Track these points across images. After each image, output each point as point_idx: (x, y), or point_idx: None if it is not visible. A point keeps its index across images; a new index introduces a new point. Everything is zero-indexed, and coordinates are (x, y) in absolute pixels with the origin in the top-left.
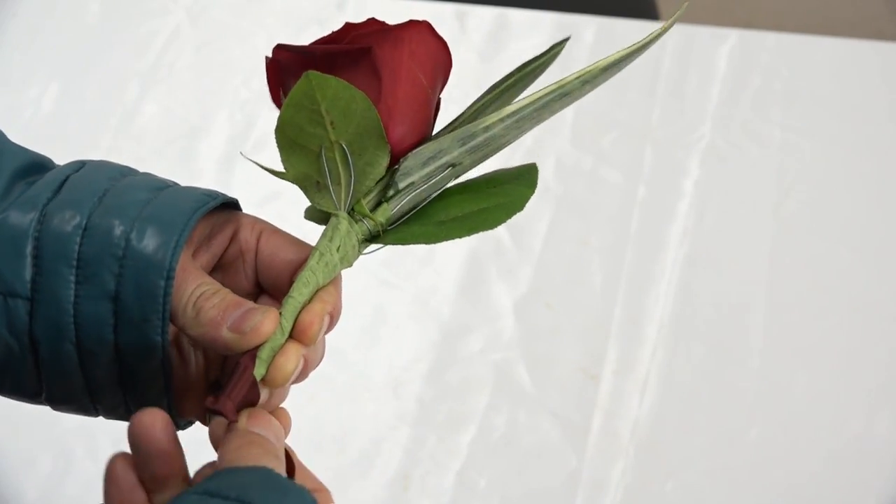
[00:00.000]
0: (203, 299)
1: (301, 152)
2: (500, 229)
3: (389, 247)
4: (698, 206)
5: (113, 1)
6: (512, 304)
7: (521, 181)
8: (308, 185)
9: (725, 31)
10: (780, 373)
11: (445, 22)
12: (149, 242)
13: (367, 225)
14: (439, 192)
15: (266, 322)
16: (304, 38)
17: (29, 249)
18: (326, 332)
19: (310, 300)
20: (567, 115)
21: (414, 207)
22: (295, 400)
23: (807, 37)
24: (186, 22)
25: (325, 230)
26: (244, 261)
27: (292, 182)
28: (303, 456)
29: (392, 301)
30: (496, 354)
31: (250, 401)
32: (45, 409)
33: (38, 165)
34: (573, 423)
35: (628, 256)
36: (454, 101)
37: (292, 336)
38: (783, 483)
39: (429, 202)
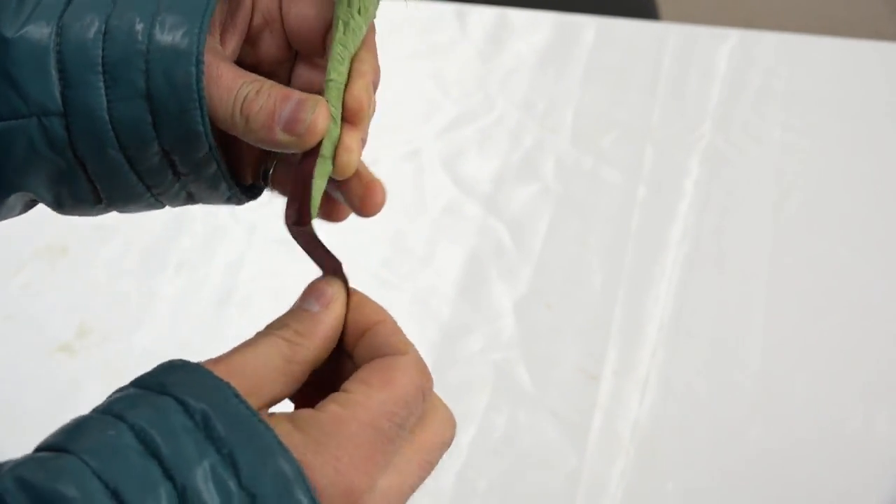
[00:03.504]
0: (248, 104)
1: None
2: (501, 229)
3: (389, 246)
4: (698, 206)
5: None
6: (512, 304)
7: None
8: None
9: (725, 31)
10: (780, 373)
11: (445, 22)
12: (172, 33)
13: None
14: None
15: (319, 118)
16: None
17: (53, 64)
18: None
19: (349, 77)
20: (567, 115)
21: None
22: None
23: (807, 37)
24: None
25: None
26: (271, 30)
27: None
28: None
29: (392, 301)
30: (496, 354)
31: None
32: (44, 409)
33: None
34: (573, 423)
35: (628, 256)
36: (454, 100)
37: (344, 120)
38: (783, 483)
39: None
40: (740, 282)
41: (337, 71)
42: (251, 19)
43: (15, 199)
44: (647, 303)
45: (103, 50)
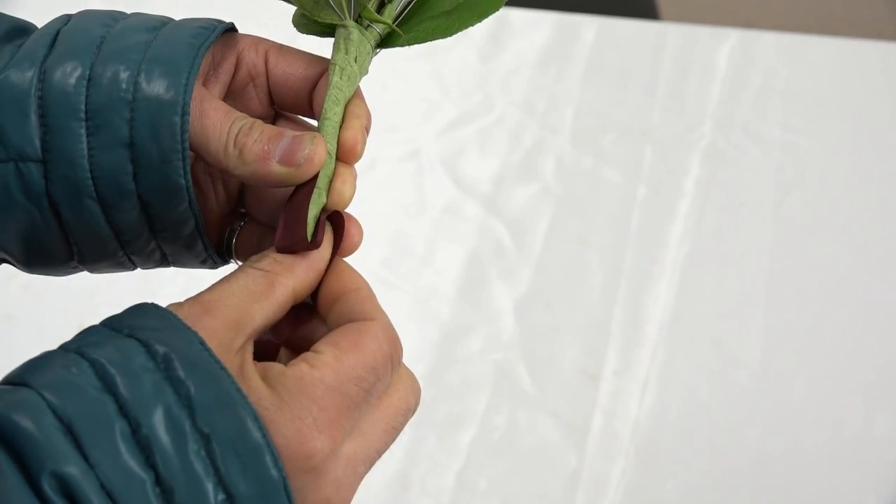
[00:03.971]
0: (243, 135)
1: None
2: (501, 229)
3: (389, 246)
4: (698, 206)
5: (113, 2)
6: (512, 304)
7: None
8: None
9: (725, 31)
10: (780, 373)
11: None
12: (158, 83)
13: (377, 29)
14: None
15: (318, 150)
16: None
17: (33, 109)
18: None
19: (343, 118)
20: (567, 115)
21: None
22: None
23: (807, 37)
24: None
25: (335, 43)
26: (255, 85)
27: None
28: None
29: (392, 301)
30: (496, 354)
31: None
32: None
33: (20, 29)
34: (573, 423)
35: (628, 256)
36: (454, 100)
37: (338, 158)
38: (783, 483)
39: None
40: (740, 282)
41: (333, 111)
42: (235, 73)
43: None
44: (647, 303)
45: (87, 96)
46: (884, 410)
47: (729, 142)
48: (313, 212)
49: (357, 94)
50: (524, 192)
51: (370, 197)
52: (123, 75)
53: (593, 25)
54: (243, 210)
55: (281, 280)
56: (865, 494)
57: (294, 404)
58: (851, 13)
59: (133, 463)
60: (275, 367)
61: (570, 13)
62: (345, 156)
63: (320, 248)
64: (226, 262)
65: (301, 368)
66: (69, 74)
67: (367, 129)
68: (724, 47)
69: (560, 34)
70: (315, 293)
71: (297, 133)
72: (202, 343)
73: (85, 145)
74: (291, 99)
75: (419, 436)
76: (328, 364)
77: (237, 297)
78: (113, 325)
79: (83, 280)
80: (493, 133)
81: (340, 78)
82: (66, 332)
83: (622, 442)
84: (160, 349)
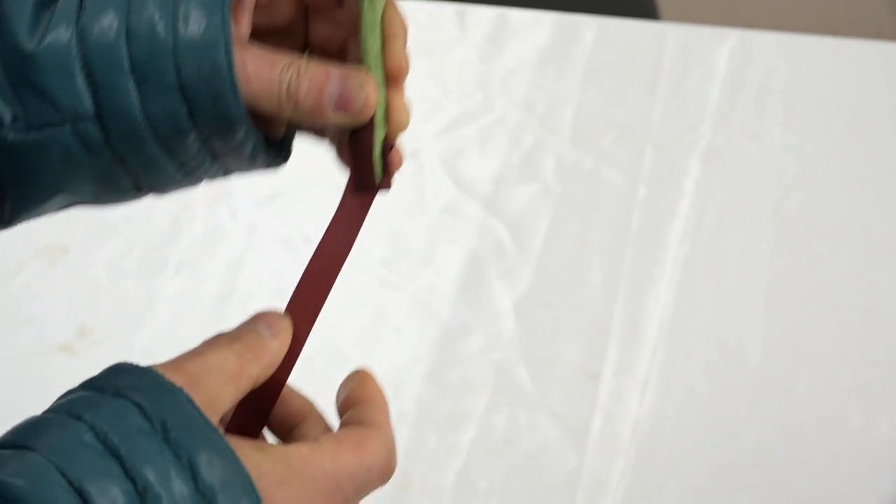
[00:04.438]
0: (293, 91)
1: None
2: (501, 229)
3: (389, 246)
4: (698, 206)
5: None
6: (512, 304)
7: None
8: None
9: (725, 31)
10: (780, 373)
11: (445, 22)
12: (196, 25)
13: None
14: None
15: (371, 93)
16: None
17: (79, 70)
18: None
19: (382, 40)
20: (567, 115)
21: None
22: None
23: (807, 37)
24: None
25: None
26: None
27: None
28: None
29: (392, 301)
30: (496, 354)
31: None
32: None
33: None
34: (573, 423)
35: (628, 256)
36: (455, 100)
37: (387, 82)
38: (783, 483)
39: None
40: (740, 282)
41: (370, 40)
42: None
43: (54, 202)
44: (647, 303)
45: (129, 49)
46: (884, 410)
47: (729, 142)
48: (377, 149)
49: (389, 4)
50: (524, 192)
51: None
52: (160, 23)
53: (593, 25)
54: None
55: (249, 368)
56: (865, 494)
57: (294, 482)
58: (851, 13)
59: None
60: (272, 445)
61: (570, 13)
62: (393, 80)
63: (283, 342)
64: (287, 157)
65: (302, 450)
66: (106, 31)
67: (405, 41)
68: (724, 47)
69: (560, 34)
70: (338, 398)
71: (344, 71)
72: (191, 401)
73: (136, 97)
74: (316, 2)
75: (419, 436)
76: (328, 454)
77: (212, 375)
78: (95, 385)
79: (83, 280)
80: (493, 133)
81: (370, 2)
82: (66, 332)
83: (622, 442)
84: (154, 410)
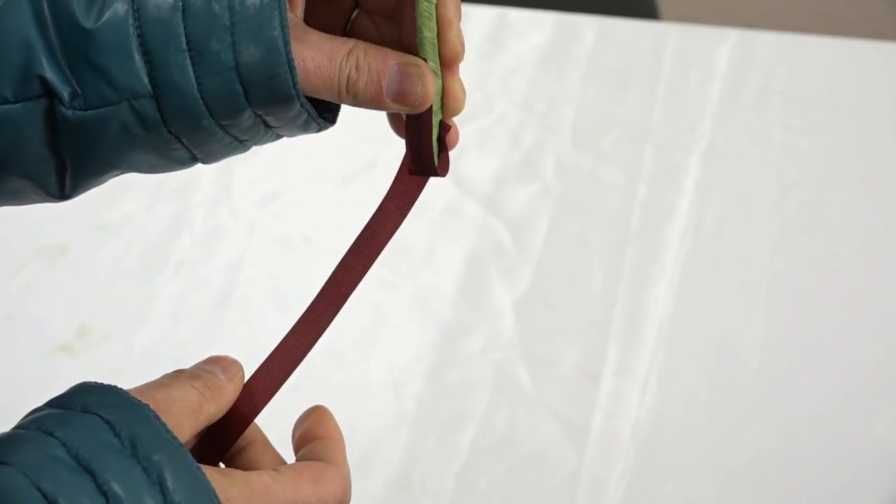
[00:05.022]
0: (352, 85)
1: None
2: (501, 229)
3: (389, 246)
4: (698, 206)
5: None
6: (512, 304)
7: None
8: None
9: (725, 31)
10: (780, 373)
11: None
12: (251, 0)
13: None
14: None
15: (430, 87)
16: None
17: (135, 47)
18: None
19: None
20: (567, 115)
21: None
22: (295, 400)
23: (807, 37)
24: None
25: None
26: None
27: None
28: None
29: (392, 301)
30: (496, 354)
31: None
32: None
33: None
34: (573, 423)
35: (628, 256)
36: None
37: (443, 66)
38: (783, 483)
39: None
40: (740, 282)
41: (427, 27)
42: None
43: (112, 174)
44: (647, 303)
45: (185, 27)
46: (884, 410)
47: (729, 142)
48: (435, 133)
49: None
50: (524, 192)
51: (370, 197)
52: (215, 1)
53: (593, 25)
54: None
55: (208, 405)
56: (865, 494)
57: None
58: (851, 13)
59: None
60: (236, 472)
61: (570, 13)
62: (449, 67)
63: (237, 385)
64: (335, 118)
65: (265, 479)
66: (161, 7)
67: (460, 27)
68: (724, 47)
69: (560, 34)
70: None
71: (402, 60)
72: (157, 418)
73: (192, 75)
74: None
75: (419, 436)
76: (288, 484)
77: (177, 406)
78: (62, 404)
79: (83, 280)
80: (493, 133)
81: None
82: (67, 333)
83: (622, 442)
84: (122, 426)
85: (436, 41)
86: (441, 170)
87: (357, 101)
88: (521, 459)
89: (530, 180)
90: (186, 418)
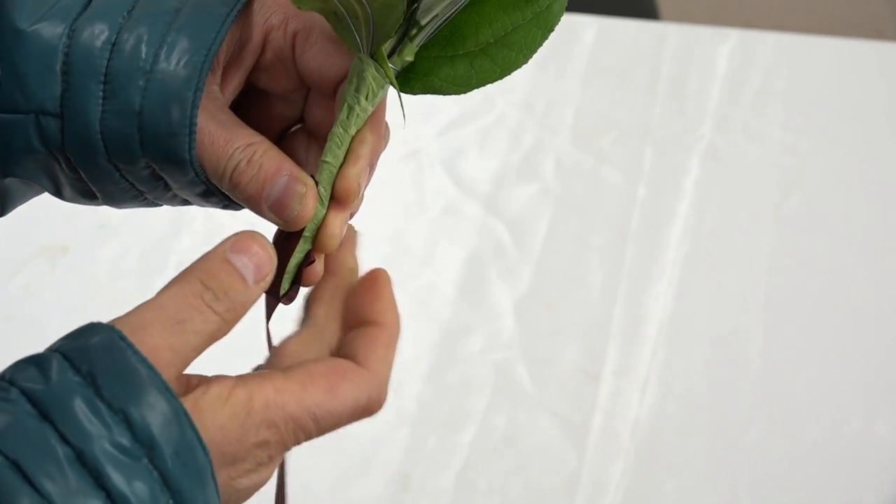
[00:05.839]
0: (238, 174)
1: None
2: (501, 229)
3: (389, 246)
4: (698, 206)
5: None
6: (512, 304)
7: None
8: (328, 15)
9: (725, 31)
10: (780, 373)
11: None
12: (176, 58)
13: (395, 67)
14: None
15: (307, 210)
16: None
17: (59, 65)
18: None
19: (344, 158)
20: (567, 115)
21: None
22: None
23: (807, 37)
24: None
25: (349, 77)
26: (284, 67)
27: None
28: (302, 456)
29: None
30: (496, 354)
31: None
32: None
33: None
34: (573, 423)
35: (628, 256)
36: (454, 100)
37: (332, 199)
38: (783, 483)
39: (452, 19)
40: (740, 282)
41: (333, 154)
42: (261, 55)
43: (18, 185)
44: (647, 303)
45: (109, 60)
46: (884, 410)
47: (729, 142)
48: (295, 260)
49: (369, 125)
50: (524, 192)
51: (370, 197)
52: (145, 45)
53: (593, 25)
54: None
55: (227, 329)
56: (865, 494)
57: (251, 431)
58: (851, 13)
59: (84, 485)
60: (240, 391)
61: (570, 13)
62: (340, 202)
63: (258, 296)
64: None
65: (266, 391)
66: (96, 36)
67: (373, 167)
68: (724, 47)
69: (560, 34)
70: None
71: (293, 174)
72: (136, 351)
73: (99, 108)
74: (318, 86)
75: (419, 436)
76: (292, 393)
77: (192, 342)
78: (52, 347)
79: (83, 280)
80: (493, 133)
81: (347, 117)
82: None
83: (622, 442)
84: (83, 364)
85: (336, 171)
86: (286, 298)
87: (236, 193)
88: (521, 459)
89: (530, 180)
90: (198, 350)
